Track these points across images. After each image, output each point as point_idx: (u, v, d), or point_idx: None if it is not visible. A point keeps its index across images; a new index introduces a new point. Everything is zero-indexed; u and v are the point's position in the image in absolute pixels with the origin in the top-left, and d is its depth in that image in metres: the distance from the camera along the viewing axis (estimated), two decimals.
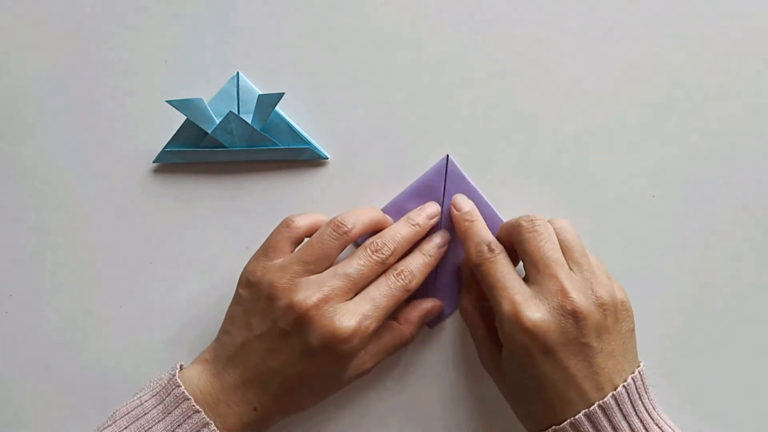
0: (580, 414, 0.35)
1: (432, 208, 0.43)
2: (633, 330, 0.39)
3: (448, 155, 0.45)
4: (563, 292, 0.36)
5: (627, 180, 0.45)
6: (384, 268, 0.40)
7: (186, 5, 0.46)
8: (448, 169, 0.44)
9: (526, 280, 0.39)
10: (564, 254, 0.39)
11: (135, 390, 0.38)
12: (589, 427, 0.35)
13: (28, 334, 0.46)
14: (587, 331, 0.36)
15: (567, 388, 0.36)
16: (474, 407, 0.45)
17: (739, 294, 0.45)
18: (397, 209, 0.44)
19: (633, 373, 0.37)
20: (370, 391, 0.45)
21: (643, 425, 0.36)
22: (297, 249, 0.40)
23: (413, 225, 0.41)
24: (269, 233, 0.41)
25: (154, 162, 0.46)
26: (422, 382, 0.45)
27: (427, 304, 0.44)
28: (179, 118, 0.44)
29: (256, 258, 0.40)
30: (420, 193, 0.44)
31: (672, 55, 0.45)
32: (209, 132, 0.44)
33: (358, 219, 0.40)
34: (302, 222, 0.40)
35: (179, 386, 0.37)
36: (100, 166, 0.46)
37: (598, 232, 0.45)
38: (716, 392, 0.44)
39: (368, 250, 0.39)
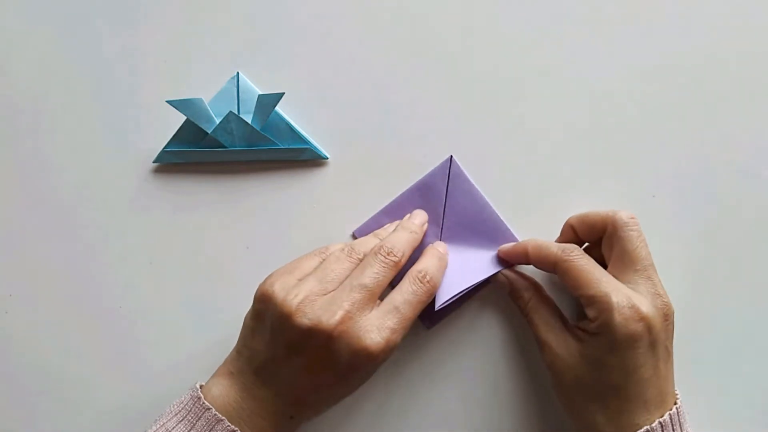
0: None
1: (421, 216, 0.44)
2: None
3: (452, 156, 0.45)
4: (659, 295, 0.38)
5: (627, 180, 0.45)
6: (397, 271, 0.39)
7: (186, 5, 0.46)
8: (451, 170, 0.44)
9: (612, 273, 0.39)
10: None
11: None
12: None
13: (28, 334, 0.46)
14: (670, 335, 0.39)
15: (649, 386, 0.37)
16: (471, 408, 0.45)
17: (740, 294, 0.45)
18: (399, 208, 0.44)
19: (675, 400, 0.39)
20: (371, 392, 0.45)
21: None
22: (313, 270, 0.39)
23: (411, 232, 0.42)
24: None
25: (154, 162, 0.46)
26: (420, 383, 0.45)
27: None
28: (179, 118, 0.44)
29: (279, 273, 0.39)
30: (422, 194, 0.44)
31: (672, 55, 0.45)
32: (209, 132, 0.44)
33: (368, 244, 0.41)
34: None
35: (209, 408, 0.37)
36: (101, 166, 0.46)
37: None
38: (716, 392, 0.44)
39: (380, 255, 0.39)
